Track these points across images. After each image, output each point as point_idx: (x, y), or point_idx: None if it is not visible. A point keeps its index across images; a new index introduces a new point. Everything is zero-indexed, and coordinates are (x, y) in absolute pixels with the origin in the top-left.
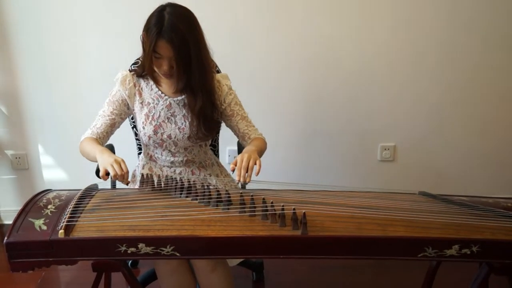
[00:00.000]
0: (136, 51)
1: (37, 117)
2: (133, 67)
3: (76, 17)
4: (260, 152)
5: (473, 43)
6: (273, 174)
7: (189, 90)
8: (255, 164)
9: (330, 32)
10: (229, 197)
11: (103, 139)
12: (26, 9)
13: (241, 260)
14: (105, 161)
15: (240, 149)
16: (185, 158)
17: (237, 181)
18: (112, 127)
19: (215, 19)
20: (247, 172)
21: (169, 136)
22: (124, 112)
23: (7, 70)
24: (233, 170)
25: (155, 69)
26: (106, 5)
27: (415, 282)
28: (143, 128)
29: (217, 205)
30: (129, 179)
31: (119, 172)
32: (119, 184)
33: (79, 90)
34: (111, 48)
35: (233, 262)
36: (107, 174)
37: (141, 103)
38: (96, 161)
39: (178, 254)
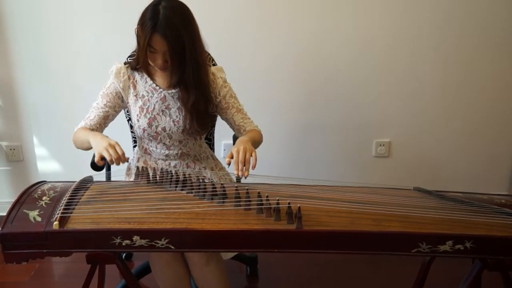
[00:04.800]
0: (132, 43)
1: (32, 108)
2: (129, 59)
3: (73, 9)
4: (254, 142)
5: (469, 40)
6: (268, 169)
7: (182, 85)
8: (251, 156)
9: (325, 27)
10: (224, 190)
11: (96, 131)
12: (23, 1)
13: (235, 254)
14: (99, 145)
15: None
16: (179, 151)
17: (236, 176)
18: (105, 119)
19: (210, 13)
20: (244, 165)
21: (164, 129)
22: (118, 104)
23: (3, 61)
24: (229, 164)
25: (150, 62)
26: None
27: (409, 277)
28: (138, 120)
29: (212, 199)
30: (126, 157)
31: (114, 156)
32: (114, 177)
33: (75, 81)
34: (107, 40)
35: (227, 255)
36: (103, 159)
37: (136, 95)
38: (90, 148)
39: (172, 247)
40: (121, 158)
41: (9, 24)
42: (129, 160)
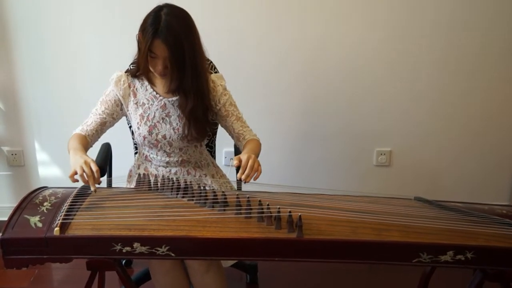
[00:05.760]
0: (134, 49)
1: (34, 113)
2: (132, 66)
3: (75, 14)
4: (257, 156)
5: (470, 50)
6: (268, 177)
7: (181, 91)
8: (257, 170)
9: (326, 35)
10: (225, 198)
11: (93, 137)
12: (25, 5)
13: (235, 261)
14: (76, 161)
15: (237, 150)
16: (180, 158)
17: (237, 179)
18: (102, 126)
19: (212, 20)
20: (250, 172)
21: (164, 137)
22: (117, 112)
23: (5, 66)
24: (238, 166)
25: (150, 68)
26: (105, 2)
27: (410, 287)
28: (138, 128)
29: (213, 206)
30: (100, 180)
31: (87, 172)
32: (115, 183)
33: (77, 87)
34: (109, 45)
35: (227, 263)
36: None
37: (136, 103)
38: None
39: (173, 255)
40: (94, 176)
41: (12, 29)
42: (131, 167)
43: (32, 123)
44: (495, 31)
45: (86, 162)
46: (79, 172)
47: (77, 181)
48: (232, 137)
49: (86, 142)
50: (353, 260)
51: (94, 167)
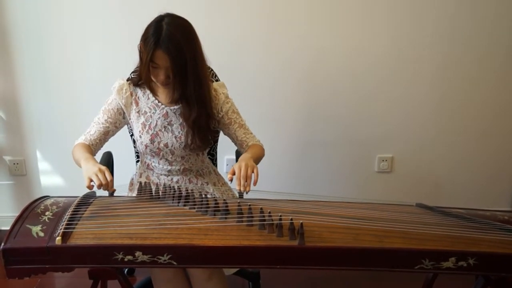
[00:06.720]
0: (136, 58)
1: (36, 123)
2: (133, 75)
3: (77, 24)
4: (257, 158)
5: (470, 56)
6: (270, 184)
7: (184, 100)
8: (253, 172)
9: (328, 42)
10: (226, 206)
11: (96, 146)
12: (27, 14)
13: (237, 269)
14: (89, 170)
15: (238, 158)
16: (182, 167)
17: (237, 191)
18: (105, 135)
19: (214, 27)
20: (246, 181)
21: (166, 145)
22: (119, 121)
23: (7, 75)
24: (231, 180)
25: (152, 78)
26: (107, 12)
27: None
28: (140, 137)
29: (214, 214)
30: (114, 188)
31: (103, 182)
32: (117, 192)
33: (78, 96)
34: (111, 54)
35: (230, 271)
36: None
37: (138, 112)
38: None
39: (175, 263)
40: (109, 185)
41: (13, 38)
42: (132, 176)
43: (33, 132)
44: (496, 40)
45: (100, 170)
46: (96, 182)
47: (93, 187)
48: (235, 144)
49: (90, 152)
50: (355, 267)
51: (109, 177)
